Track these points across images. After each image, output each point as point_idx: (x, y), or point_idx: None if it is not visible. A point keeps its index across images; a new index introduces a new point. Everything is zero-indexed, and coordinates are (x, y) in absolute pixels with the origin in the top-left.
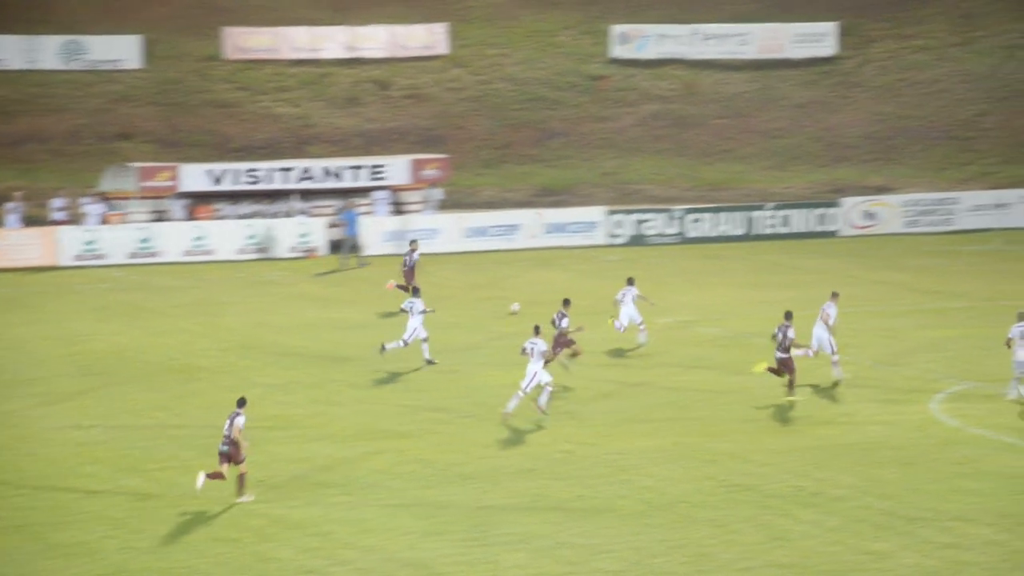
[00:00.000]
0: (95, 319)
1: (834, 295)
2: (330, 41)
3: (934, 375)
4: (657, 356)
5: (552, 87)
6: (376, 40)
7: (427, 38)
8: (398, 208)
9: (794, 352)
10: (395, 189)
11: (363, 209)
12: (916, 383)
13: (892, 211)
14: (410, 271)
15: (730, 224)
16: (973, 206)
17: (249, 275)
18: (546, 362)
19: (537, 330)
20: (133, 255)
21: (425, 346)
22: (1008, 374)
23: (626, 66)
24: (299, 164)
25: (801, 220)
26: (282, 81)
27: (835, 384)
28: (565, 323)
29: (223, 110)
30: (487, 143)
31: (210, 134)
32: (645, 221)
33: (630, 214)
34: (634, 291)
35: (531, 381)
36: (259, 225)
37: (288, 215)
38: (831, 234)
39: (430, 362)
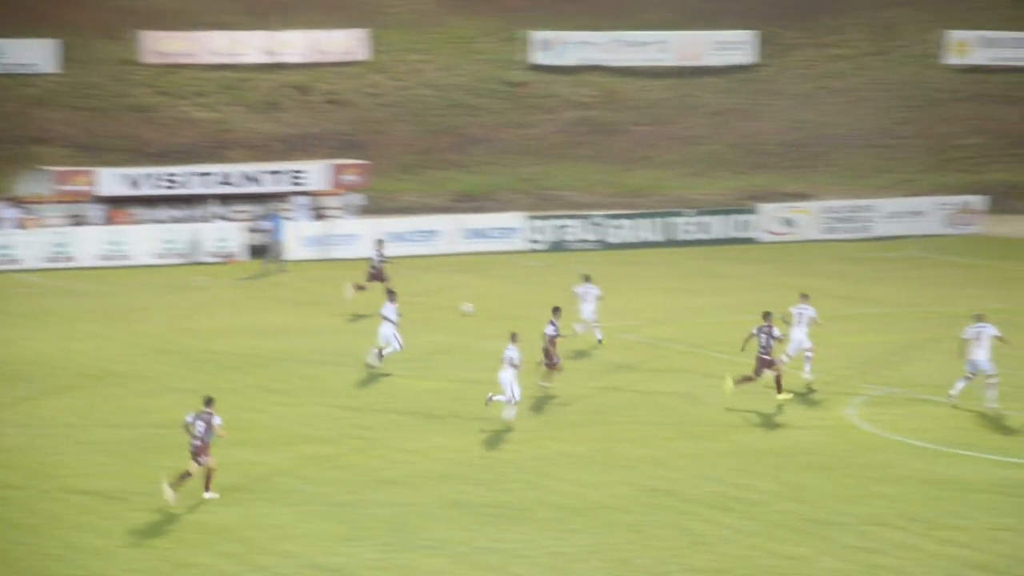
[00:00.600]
0: (9, 324)
1: (804, 296)
2: (249, 46)
3: (851, 381)
4: (576, 362)
5: (473, 93)
6: (295, 45)
7: (347, 43)
8: (319, 214)
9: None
10: (315, 195)
11: (285, 215)
12: (833, 389)
13: (810, 218)
14: (378, 272)
15: (650, 230)
16: (890, 213)
17: (167, 280)
18: (548, 370)
19: (514, 337)
20: (49, 260)
21: (378, 351)
22: (935, 380)
23: (547, 72)
24: (218, 169)
25: (720, 227)
26: (201, 86)
27: (808, 387)
28: (551, 330)
29: (141, 114)
30: (407, 149)
31: (128, 138)
32: (565, 227)
33: (550, 220)
34: (595, 290)
35: (510, 389)
36: (178, 230)
37: (207, 220)
38: (750, 240)
39: (371, 365)
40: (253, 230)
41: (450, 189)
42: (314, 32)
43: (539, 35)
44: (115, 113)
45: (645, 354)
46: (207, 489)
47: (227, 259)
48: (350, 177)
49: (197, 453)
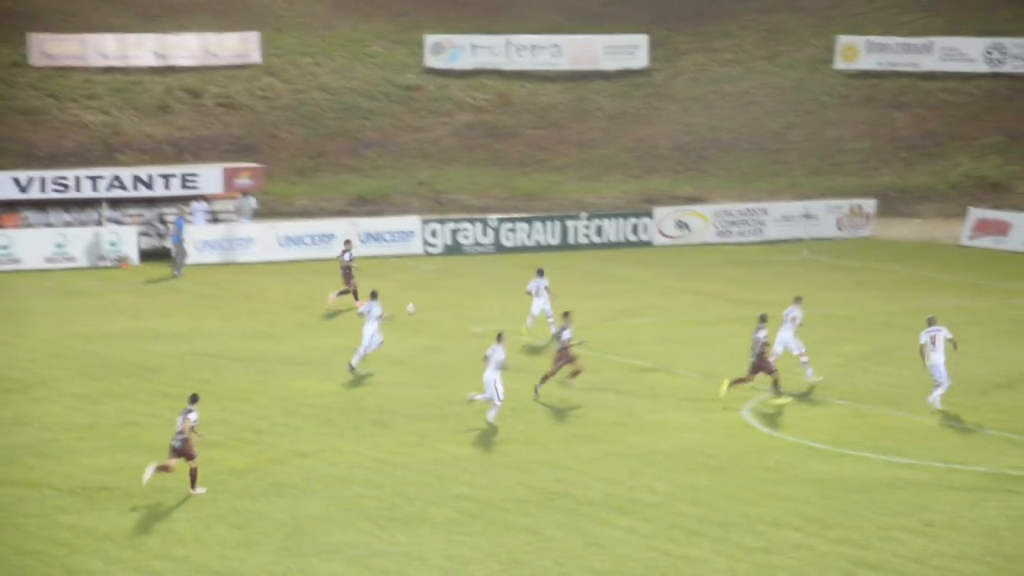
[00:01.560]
0: None
1: (797, 299)
2: (140, 48)
3: (746, 383)
4: (470, 365)
5: (366, 97)
6: (187, 48)
7: (239, 47)
8: (214, 217)
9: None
10: (208, 199)
11: (188, 219)
12: (728, 391)
13: (704, 221)
14: (347, 272)
15: (545, 233)
16: (782, 216)
17: (58, 284)
18: (545, 377)
19: (499, 337)
20: None
21: (362, 353)
22: (828, 381)
23: (440, 76)
24: (109, 172)
25: (615, 230)
26: (91, 88)
27: (811, 388)
28: (567, 336)
29: (29, 117)
30: (301, 152)
31: (16, 141)
32: (460, 230)
33: (445, 223)
34: (544, 282)
35: (494, 389)
36: (69, 234)
37: (98, 224)
38: (645, 244)
39: (352, 368)
40: (143, 234)
41: (345, 192)
42: (206, 35)
43: (432, 39)
44: (3, 116)
45: (539, 357)
46: (192, 486)
47: (119, 263)
48: (244, 181)
49: (178, 451)
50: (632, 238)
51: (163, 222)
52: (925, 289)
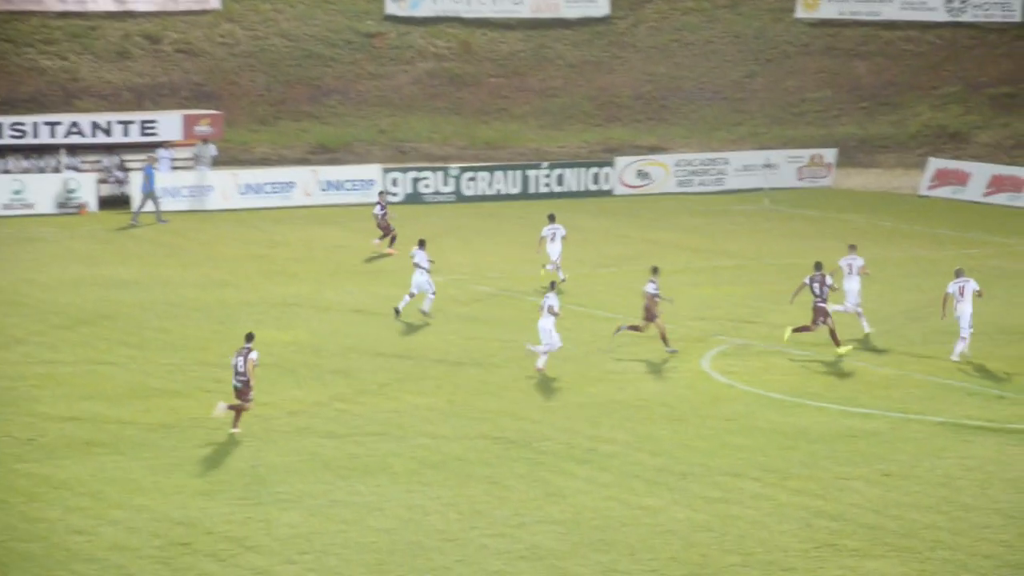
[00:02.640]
0: None
1: (852, 247)
2: None
3: (705, 333)
4: (431, 314)
5: (327, 44)
6: None
7: None
8: (173, 165)
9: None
10: (168, 145)
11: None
12: (688, 341)
13: (665, 171)
14: (382, 224)
15: (506, 183)
16: (742, 166)
17: (14, 231)
18: (635, 328)
19: (552, 286)
20: None
21: (407, 299)
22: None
23: (401, 23)
24: (66, 119)
25: (576, 179)
26: (48, 33)
27: (866, 337)
28: (652, 288)
29: None
30: (261, 99)
31: None
32: (421, 179)
33: (406, 172)
34: (561, 230)
35: (551, 336)
36: (26, 180)
37: (56, 170)
38: (606, 193)
39: (397, 311)
40: (102, 180)
41: (305, 141)
42: None
43: None
44: None
45: (500, 306)
46: (235, 425)
47: (78, 210)
48: (203, 128)
49: (239, 392)
50: (593, 188)
51: (123, 168)
52: (884, 239)
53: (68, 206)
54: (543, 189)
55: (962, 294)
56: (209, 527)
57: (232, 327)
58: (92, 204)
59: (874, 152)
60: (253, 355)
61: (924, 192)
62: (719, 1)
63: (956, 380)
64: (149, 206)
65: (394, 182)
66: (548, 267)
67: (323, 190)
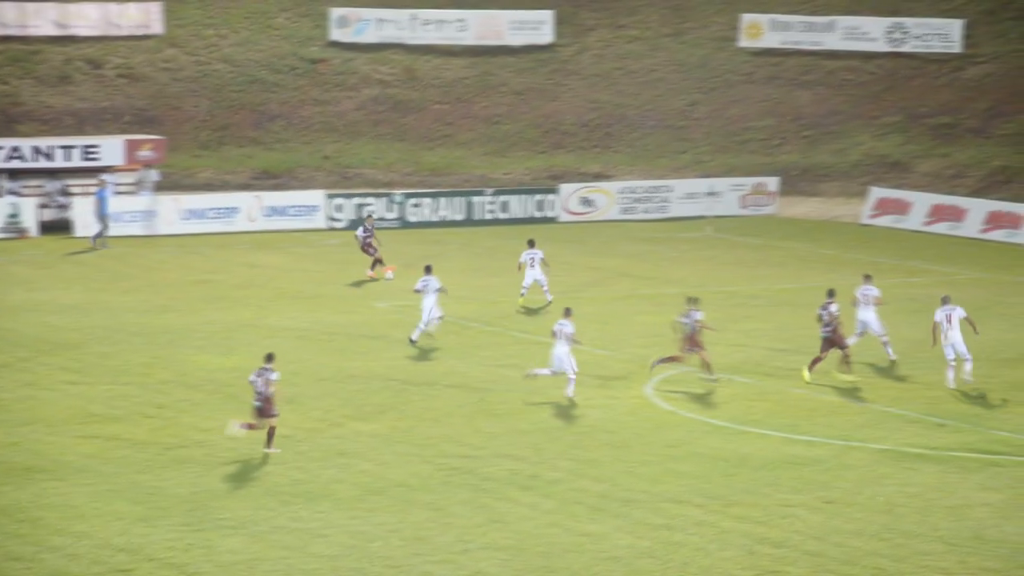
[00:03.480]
0: None
1: (867, 277)
2: (39, 18)
3: (648, 360)
4: (375, 341)
5: (271, 69)
6: (87, 18)
7: (141, 17)
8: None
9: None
10: (110, 170)
11: (102, 189)
12: (631, 367)
13: (608, 198)
14: (365, 247)
15: (450, 209)
16: (686, 194)
17: None
18: (672, 359)
19: (567, 312)
20: None
21: (423, 327)
22: (730, 359)
23: (346, 50)
24: (7, 143)
25: (520, 206)
26: None
27: (892, 364)
28: (698, 316)
29: None
30: (204, 125)
31: None
32: (365, 205)
33: (350, 198)
34: (539, 254)
35: (567, 364)
36: None
37: None
38: (550, 220)
39: (413, 342)
40: (43, 206)
41: (249, 166)
42: (106, 4)
43: (337, 12)
44: None
45: (444, 332)
46: (268, 445)
47: (19, 235)
48: (146, 153)
49: (260, 412)
50: (537, 214)
51: (65, 194)
52: (826, 267)
53: (9, 231)
54: (487, 215)
55: (949, 322)
56: (150, 553)
57: (174, 352)
58: (33, 229)
59: (816, 181)
60: (273, 375)
61: (866, 221)
62: (663, 30)
63: (897, 408)
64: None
65: (338, 208)
66: (547, 298)
67: (266, 216)
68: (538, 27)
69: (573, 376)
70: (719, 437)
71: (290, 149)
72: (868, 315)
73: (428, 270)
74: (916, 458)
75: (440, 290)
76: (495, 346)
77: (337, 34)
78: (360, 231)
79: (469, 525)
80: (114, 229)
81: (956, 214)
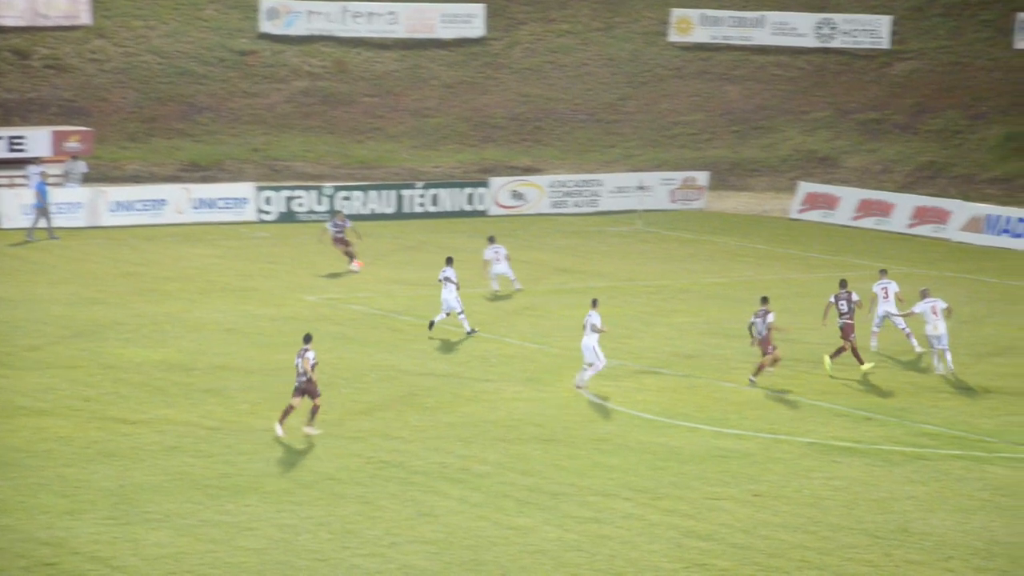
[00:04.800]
0: None
1: (883, 271)
2: None
3: (578, 354)
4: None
5: (200, 61)
6: (14, 8)
7: (68, 7)
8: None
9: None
10: (36, 162)
11: (48, 180)
12: (560, 361)
13: (539, 192)
14: (337, 241)
15: (380, 202)
16: (616, 188)
17: None
18: (760, 369)
19: (595, 303)
20: None
21: (443, 316)
22: (660, 352)
23: (275, 42)
24: None
25: (450, 199)
26: None
27: (919, 356)
28: (772, 318)
29: None
30: (132, 116)
31: None
32: (295, 198)
33: (280, 191)
34: (503, 249)
35: (594, 354)
36: None
37: None
38: (480, 213)
39: (432, 324)
40: None
41: (177, 158)
42: None
43: (267, 3)
44: None
45: (373, 326)
46: (310, 423)
47: None
48: (73, 144)
49: (301, 391)
50: (468, 208)
51: None
52: (756, 261)
53: None
54: (418, 209)
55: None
56: (75, 547)
57: (101, 345)
58: None
59: (746, 175)
60: (309, 355)
61: (795, 215)
62: (593, 24)
63: (824, 401)
64: (43, 222)
65: (267, 201)
66: (516, 287)
67: (195, 208)
68: (469, 20)
69: (601, 366)
70: (648, 430)
71: (219, 141)
72: (890, 308)
73: (449, 261)
74: (843, 451)
75: (454, 283)
76: (424, 339)
77: (267, 26)
78: (330, 225)
79: (398, 518)
80: (41, 220)
81: (884, 209)
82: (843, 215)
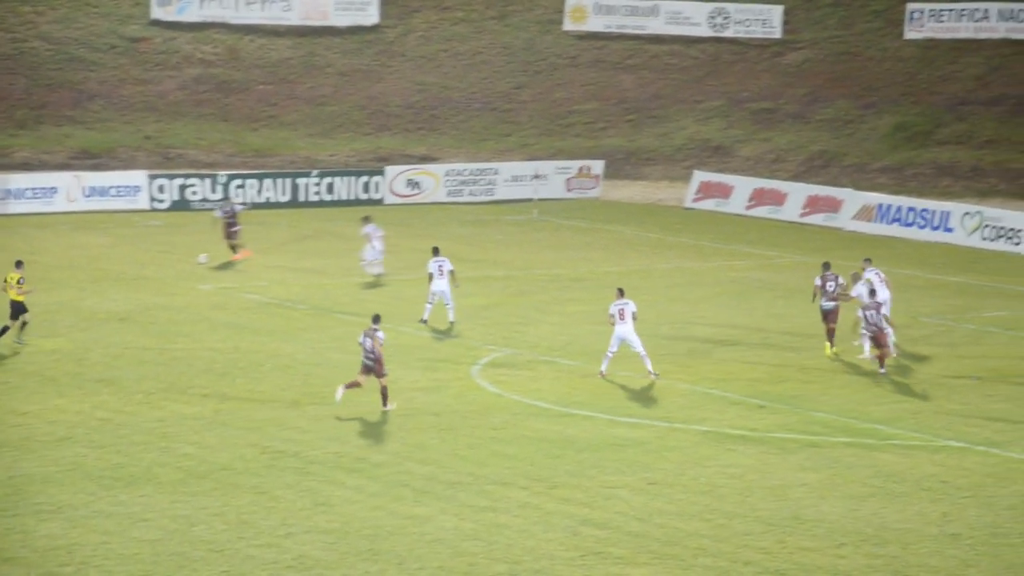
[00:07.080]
0: None
1: (867, 260)
2: None
3: (474, 343)
4: (197, 323)
5: (90, 48)
6: None
7: None
8: None
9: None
10: None
11: None
12: (457, 351)
13: (435, 180)
14: (226, 226)
15: (275, 191)
16: (512, 177)
17: None
18: (881, 360)
19: (621, 292)
20: None
21: (451, 305)
22: (556, 341)
23: (167, 28)
24: None
25: (346, 188)
26: None
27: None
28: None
29: None
30: (21, 103)
31: None
32: (188, 186)
33: (173, 179)
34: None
35: (631, 342)
36: None
37: None
38: (376, 202)
39: (423, 321)
40: None
41: (68, 146)
42: None
43: None
44: None
45: (269, 315)
46: (385, 404)
47: None
48: None
49: (368, 369)
50: (363, 196)
51: None
52: (651, 250)
53: None
54: (313, 197)
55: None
56: None
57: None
58: None
59: (641, 164)
60: (380, 335)
61: (689, 204)
62: (488, 12)
63: (719, 390)
64: None
65: (160, 189)
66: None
67: (87, 196)
68: (364, 8)
69: (644, 352)
70: (544, 419)
71: (110, 129)
72: (884, 294)
73: (436, 251)
74: (737, 439)
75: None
76: (320, 328)
77: (159, 12)
78: (219, 213)
79: (294, 508)
80: None
81: (777, 198)
82: (737, 204)
